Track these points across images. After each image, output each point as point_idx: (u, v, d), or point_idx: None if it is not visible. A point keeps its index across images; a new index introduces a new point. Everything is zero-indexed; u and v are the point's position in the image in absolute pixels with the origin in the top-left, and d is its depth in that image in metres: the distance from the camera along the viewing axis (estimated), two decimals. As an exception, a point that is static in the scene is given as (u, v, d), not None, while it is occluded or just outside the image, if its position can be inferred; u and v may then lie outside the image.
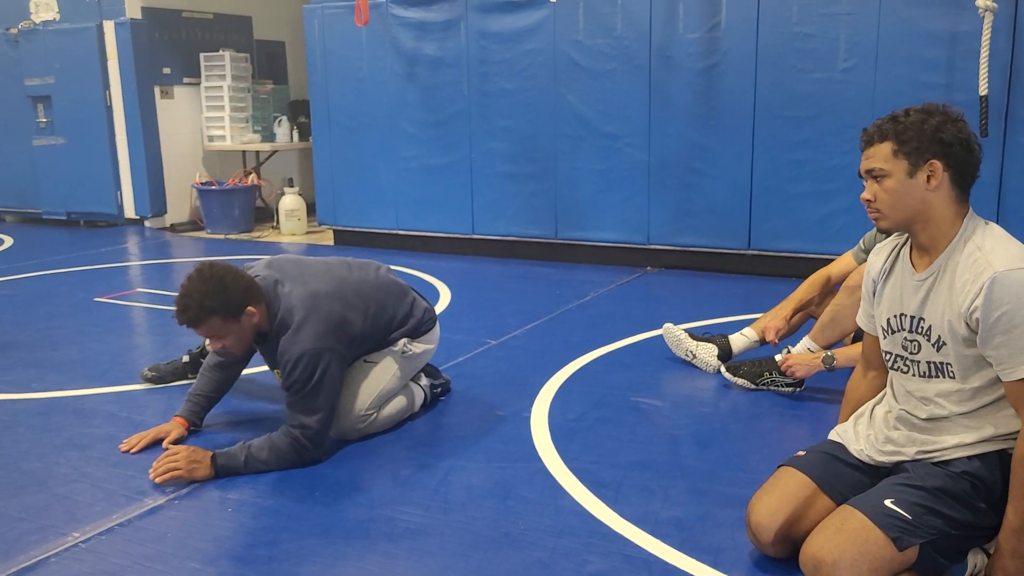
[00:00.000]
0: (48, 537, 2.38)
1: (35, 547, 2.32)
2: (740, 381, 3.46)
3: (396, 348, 3.11)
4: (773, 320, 3.56)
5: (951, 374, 2.03)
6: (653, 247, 5.95)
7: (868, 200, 2.06)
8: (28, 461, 2.89)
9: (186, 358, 3.67)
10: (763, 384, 3.43)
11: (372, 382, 3.03)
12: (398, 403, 3.13)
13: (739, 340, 3.69)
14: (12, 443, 3.05)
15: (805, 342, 3.36)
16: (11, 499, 2.61)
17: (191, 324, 2.70)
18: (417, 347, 3.18)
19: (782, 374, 3.35)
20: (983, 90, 4.65)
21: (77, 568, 2.22)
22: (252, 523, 2.44)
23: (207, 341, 3.37)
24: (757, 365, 3.46)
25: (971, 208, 2.05)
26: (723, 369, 3.54)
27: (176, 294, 2.72)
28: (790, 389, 3.39)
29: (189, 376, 3.61)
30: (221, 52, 8.18)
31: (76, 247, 7.48)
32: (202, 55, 8.25)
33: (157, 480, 2.67)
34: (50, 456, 2.93)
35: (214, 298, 2.67)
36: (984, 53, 4.63)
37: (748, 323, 3.77)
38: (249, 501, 2.57)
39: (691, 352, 3.73)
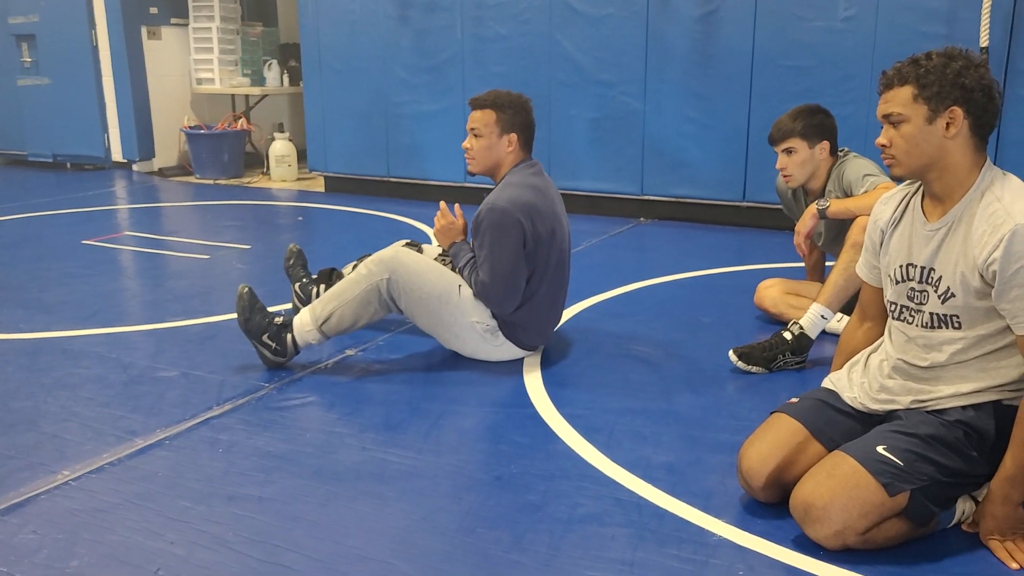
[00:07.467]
0: (38, 475, 2.37)
1: (25, 484, 2.31)
2: (755, 369, 3.22)
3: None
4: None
5: (956, 324, 2.02)
6: (647, 198, 5.91)
7: (883, 145, 2.02)
8: (17, 400, 2.87)
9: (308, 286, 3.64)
10: (777, 368, 3.23)
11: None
12: None
13: (812, 321, 3.26)
14: (1, 382, 3.03)
15: (818, 308, 3.22)
16: (0, 437, 2.60)
17: None
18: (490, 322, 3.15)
19: (793, 353, 3.25)
20: (984, 41, 4.60)
21: (67, 505, 2.21)
22: (243, 463, 2.44)
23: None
24: (769, 349, 3.23)
25: (988, 158, 2.02)
26: (734, 357, 3.22)
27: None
28: (799, 366, 3.24)
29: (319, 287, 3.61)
30: (210, -8, 8.01)
31: (63, 190, 7.38)
32: (190, -5, 8.08)
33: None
34: (39, 395, 2.91)
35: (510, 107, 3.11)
36: (986, 4, 4.58)
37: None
38: (240, 442, 2.57)
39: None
